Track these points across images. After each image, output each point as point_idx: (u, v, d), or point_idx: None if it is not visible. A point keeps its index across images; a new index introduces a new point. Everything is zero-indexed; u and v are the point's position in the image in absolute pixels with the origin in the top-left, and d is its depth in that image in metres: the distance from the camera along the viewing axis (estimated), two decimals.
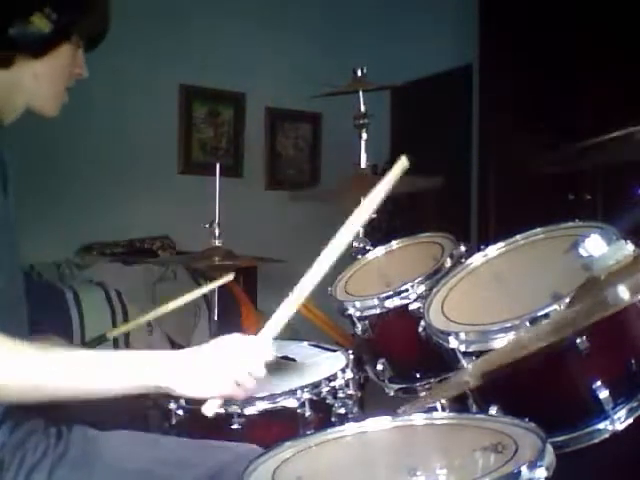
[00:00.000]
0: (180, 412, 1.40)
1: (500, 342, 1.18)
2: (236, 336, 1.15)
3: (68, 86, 1.27)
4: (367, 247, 2.14)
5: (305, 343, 1.73)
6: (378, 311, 1.60)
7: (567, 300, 1.09)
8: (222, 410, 1.37)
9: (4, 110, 1.21)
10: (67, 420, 1.20)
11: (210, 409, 1.13)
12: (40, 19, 1.13)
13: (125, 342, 3.32)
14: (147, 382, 1.08)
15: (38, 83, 1.21)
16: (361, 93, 2.34)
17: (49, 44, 1.18)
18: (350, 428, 1.13)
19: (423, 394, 1.58)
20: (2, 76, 1.18)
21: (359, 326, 1.64)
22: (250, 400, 1.35)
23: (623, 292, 0.90)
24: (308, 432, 1.32)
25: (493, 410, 1.14)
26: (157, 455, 1.20)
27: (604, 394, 1.11)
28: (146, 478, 1.15)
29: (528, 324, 1.16)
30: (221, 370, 1.11)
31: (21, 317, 1.21)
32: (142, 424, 1.43)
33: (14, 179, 1.18)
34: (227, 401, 1.23)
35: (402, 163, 1.32)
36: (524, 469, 0.84)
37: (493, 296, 1.39)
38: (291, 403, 1.38)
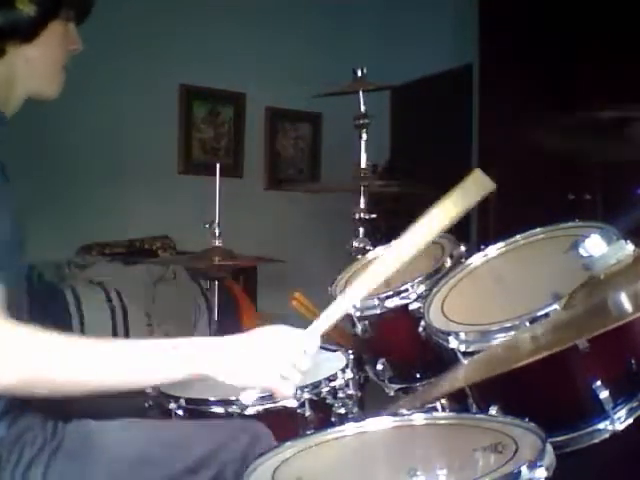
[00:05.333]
0: (180, 412, 1.40)
1: (500, 342, 1.19)
2: (283, 327, 1.11)
3: (65, 64, 1.25)
4: (367, 247, 2.14)
5: None
6: (378, 311, 1.60)
7: (565, 300, 1.09)
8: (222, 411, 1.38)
9: (5, 103, 1.19)
10: (65, 415, 1.20)
11: (248, 398, 1.11)
12: (24, 3, 1.11)
13: (125, 337, 3.33)
14: (194, 371, 1.05)
15: (33, 67, 1.19)
16: (361, 93, 2.34)
17: (38, 26, 1.15)
18: (350, 428, 1.13)
19: (420, 389, 1.58)
20: None
21: (359, 326, 1.64)
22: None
23: (626, 303, 0.90)
24: (308, 432, 1.32)
25: (493, 410, 1.14)
26: (156, 438, 1.20)
27: (604, 394, 1.11)
28: (145, 462, 1.15)
29: (528, 324, 1.16)
30: (267, 361, 1.07)
31: (22, 312, 1.20)
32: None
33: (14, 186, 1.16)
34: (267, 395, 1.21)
35: (478, 177, 1.22)
36: (524, 469, 0.84)
37: (493, 296, 1.39)
38: (291, 403, 1.38)
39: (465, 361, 1.22)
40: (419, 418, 1.10)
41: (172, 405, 1.40)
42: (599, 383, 1.11)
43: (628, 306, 0.89)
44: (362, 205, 2.31)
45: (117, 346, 1.06)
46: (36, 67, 1.20)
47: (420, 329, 1.49)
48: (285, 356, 1.07)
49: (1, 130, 1.17)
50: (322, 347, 1.67)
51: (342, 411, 1.44)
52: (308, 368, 1.09)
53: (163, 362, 1.04)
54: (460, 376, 1.14)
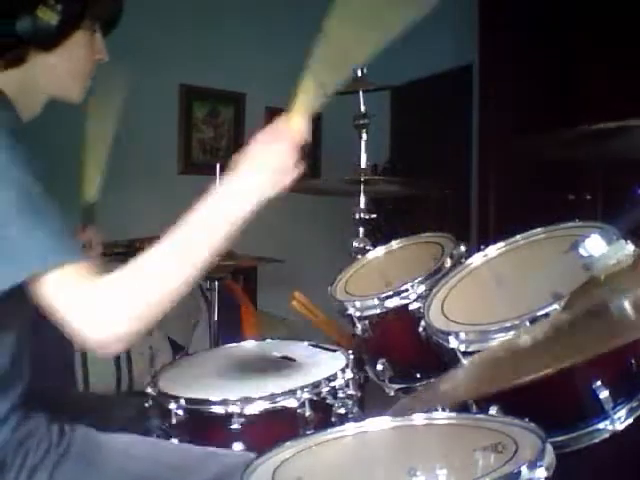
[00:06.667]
0: (180, 412, 1.40)
1: (500, 342, 1.18)
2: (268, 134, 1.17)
3: (90, 73, 1.25)
4: (367, 247, 2.14)
5: (305, 343, 1.73)
6: (378, 311, 1.60)
7: (565, 300, 1.09)
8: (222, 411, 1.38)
9: (23, 107, 1.18)
10: (69, 419, 1.19)
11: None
12: (45, 12, 1.10)
13: None
14: (250, 206, 1.17)
15: (56, 75, 1.19)
16: (361, 93, 2.34)
17: (58, 36, 1.14)
18: (350, 428, 1.13)
19: (420, 388, 1.58)
20: (16, 75, 1.16)
21: (359, 326, 1.64)
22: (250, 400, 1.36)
23: (626, 304, 0.90)
24: (308, 432, 1.32)
25: (493, 410, 1.14)
26: (160, 459, 1.20)
27: (604, 394, 1.11)
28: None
29: (528, 324, 1.16)
30: (281, 161, 1.16)
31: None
32: (142, 424, 1.43)
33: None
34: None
35: None
36: (524, 469, 0.84)
37: (493, 296, 1.39)
38: (291, 403, 1.38)
39: (465, 362, 1.22)
40: (419, 418, 1.10)
41: (172, 405, 1.40)
42: (599, 383, 1.11)
43: (628, 307, 0.89)
44: (362, 205, 2.31)
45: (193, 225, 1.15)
46: (59, 75, 1.20)
47: (420, 329, 1.49)
48: (287, 150, 1.15)
49: (21, 133, 1.14)
50: (322, 347, 1.68)
51: (342, 411, 1.43)
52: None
53: (234, 206, 1.16)
54: (461, 387, 1.14)
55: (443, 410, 1.15)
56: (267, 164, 1.15)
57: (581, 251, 1.02)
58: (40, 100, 1.22)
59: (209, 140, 4.59)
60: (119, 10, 1.29)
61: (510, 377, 0.94)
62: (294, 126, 1.17)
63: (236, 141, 4.67)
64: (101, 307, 1.01)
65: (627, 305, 0.89)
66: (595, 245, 1.01)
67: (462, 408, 1.23)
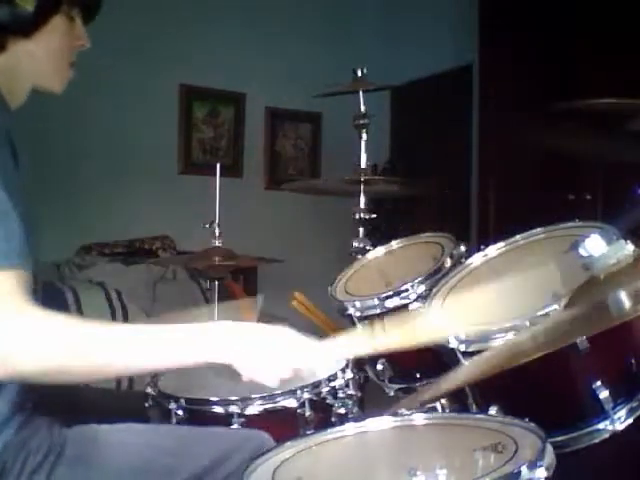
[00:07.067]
0: (180, 412, 1.40)
1: (500, 342, 1.18)
2: (301, 336, 1.08)
3: (71, 60, 1.24)
4: (367, 247, 2.14)
5: None
6: (378, 311, 1.60)
7: (565, 301, 1.09)
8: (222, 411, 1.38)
9: (10, 94, 1.18)
10: (69, 420, 1.19)
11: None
12: None
13: None
14: (212, 359, 1.04)
15: (36, 62, 1.19)
16: (361, 93, 2.34)
17: (37, 21, 1.15)
18: (350, 428, 1.13)
19: (421, 389, 1.58)
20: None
21: (359, 326, 1.64)
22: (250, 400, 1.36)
23: (625, 302, 0.90)
24: (308, 432, 1.32)
25: (493, 410, 1.14)
26: (159, 444, 1.19)
27: (604, 394, 1.11)
28: (149, 470, 1.15)
29: (528, 324, 1.16)
30: (278, 363, 1.05)
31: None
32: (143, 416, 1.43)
33: (24, 163, 1.15)
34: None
35: None
36: (524, 469, 0.84)
37: (493, 296, 1.38)
38: (291, 403, 1.38)
39: (465, 362, 1.22)
40: (419, 418, 1.10)
41: (172, 405, 1.40)
42: (599, 383, 1.11)
43: (628, 306, 0.89)
44: (362, 205, 2.31)
45: (137, 331, 1.04)
46: (39, 62, 1.20)
47: None
48: (294, 363, 1.06)
49: (8, 116, 1.16)
50: None
51: (342, 411, 1.44)
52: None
53: (181, 348, 1.03)
54: (460, 376, 1.14)
55: (443, 410, 1.15)
56: (251, 342, 1.05)
57: (581, 251, 1.02)
58: (24, 88, 1.22)
59: (209, 140, 4.59)
60: None
61: (510, 362, 0.94)
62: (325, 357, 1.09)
63: (236, 141, 4.68)
64: (18, 327, 0.96)
65: (623, 295, 0.90)
66: (595, 245, 1.01)
67: (462, 408, 1.24)
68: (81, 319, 1.01)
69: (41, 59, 1.20)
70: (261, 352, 1.04)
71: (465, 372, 1.15)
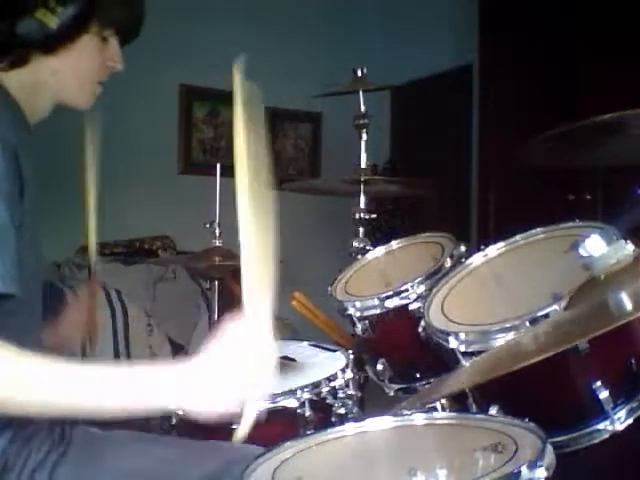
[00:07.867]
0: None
1: (500, 342, 1.19)
2: (235, 341, 0.96)
3: (101, 80, 1.23)
4: (367, 247, 2.14)
5: (305, 343, 1.73)
6: (378, 311, 1.60)
7: (566, 301, 1.09)
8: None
9: (31, 109, 1.17)
10: (71, 420, 1.19)
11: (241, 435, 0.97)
12: (45, 14, 1.09)
13: (125, 336, 3.33)
14: (156, 405, 0.98)
15: (60, 79, 1.17)
16: (361, 93, 2.34)
17: (59, 39, 1.12)
18: (350, 428, 1.13)
19: (422, 390, 1.58)
20: (21, 76, 1.15)
21: (359, 326, 1.64)
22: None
23: (627, 302, 0.90)
24: (308, 432, 1.32)
25: (493, 410, 1.14)
26: (160, 454, 1.20)
27: (604, 394, 1.11)
28: (149, 477, 1.15)
29: (528, 324, 1.16)
30: (231, 384, 0.95)
31: (38, 314, 1.19)
32: (142, 424, 1.43)
33: (33, 191, 1.09)
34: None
35: None
36: (524, 469, 0.83)
37: (493, 296, 1.38)
38: (291, 403, 1.38)
39: (466, 363, 1.22)
40: (419, 418, 1.10)
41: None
42: (599, 383, 1.11)
43: (628, 306, 0.89)
44: (362, 205, 2.31)
45: (83, 373, 0.98)
46: (63, 79, 1.18)
47: (420, 329, 1.49)
48: (247, 374, 0.95)
49: (24, 135, 1.14)
50: (322, 347, 1.68)
51: (342, 411, 1.44)
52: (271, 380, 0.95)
53: (125, 393, 0.96)
54: (461, 378, 1.14)
55: (443, 410, 1.15)
56: (214, 382, 0.95)
57: (581, 251, 1.02)
58: (47, 104, 1.20)
59: (209, 140, 4.59)
60: (135, 18, 1.25)
61: (510, 364, 0.94)
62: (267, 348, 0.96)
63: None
64: None
65: (624, 296, 0.90)
66: (595, 245, 1.01)
67: (462, 408, 1.24)
68: (38, 354, 0.93)
69: (66, 76, 1.18)
70: (208, 392, 0.96)
71: (465, 376, 1.15)
